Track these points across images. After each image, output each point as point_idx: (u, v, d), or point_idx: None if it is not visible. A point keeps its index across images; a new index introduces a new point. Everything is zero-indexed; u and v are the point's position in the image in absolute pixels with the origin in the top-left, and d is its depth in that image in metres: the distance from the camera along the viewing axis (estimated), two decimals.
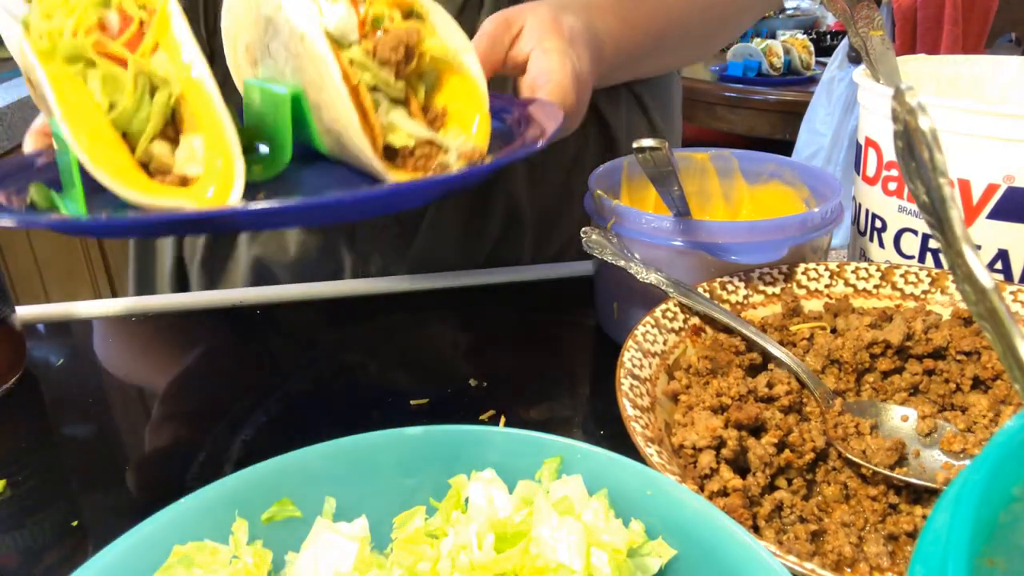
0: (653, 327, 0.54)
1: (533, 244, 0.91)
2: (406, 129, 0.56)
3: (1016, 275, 0.58)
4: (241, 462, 0.53)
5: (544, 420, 0.59)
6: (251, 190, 0.52)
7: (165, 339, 0.75)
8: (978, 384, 0.51)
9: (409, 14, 0.58)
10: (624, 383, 0.48)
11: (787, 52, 2.97)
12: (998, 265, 0.58)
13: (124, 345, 0.74)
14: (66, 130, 0.46)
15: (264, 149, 0.61)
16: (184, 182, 0.51)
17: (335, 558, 0.34)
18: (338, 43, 0.54)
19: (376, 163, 0.54)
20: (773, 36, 3.22)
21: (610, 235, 0.62)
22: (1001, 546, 0.21)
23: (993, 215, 0.57)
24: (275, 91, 0.58)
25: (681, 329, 0.56)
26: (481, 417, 0.58)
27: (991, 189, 0.56)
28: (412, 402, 0.60)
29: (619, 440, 0.44)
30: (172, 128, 0.52)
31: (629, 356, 0.51)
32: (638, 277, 0.58)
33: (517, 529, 0.34)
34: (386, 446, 0.39)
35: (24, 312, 0.76)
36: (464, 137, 0.57)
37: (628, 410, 0.45)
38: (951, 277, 0.48)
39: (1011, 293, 0.55)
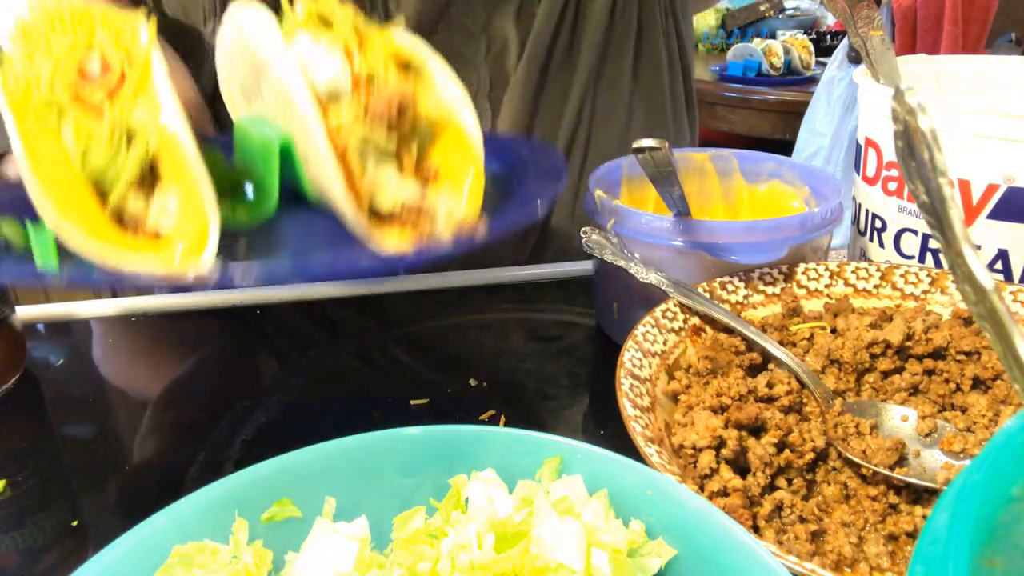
0: (653, 327, 0.54)
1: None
2: (394, 192, 0.54)
3: (1016, 275, 0.58)
4: (241, 462, 0.53)
5: (544, 420, 0.59)
6: (233, 236, 0.51)
7: (165, 339, 0.75)
8: (978, 384, 0.51)
9: (407, 66, 0.57)
10: (624, 383, 0.48)
11: (787, 52, 2.97)
12: (998, 265, 0.58)
13: (124, 345, 0.74)
14: (31, 181, 0.46)
15: (251, 190, 0.60)
16: (157, 235, 0.50)
17: (335, 558, 0.34)
18: (329, 98, 0.53)
19: (360, 225, 0.52)
20: (773, 36, 3.22)
21: (610, 235, 0.62)
22: (1001, 546, 0.21)
23: (993, 215, 0.57)
24: (264, 136, 0.57)
25: (681, 329, 0.56)
26: (481, 417, 0.58)
27: (991, 189, 0.56)
28: (412, 402, 0.60)
29: (619, 440, 0.44)
30: (149, 181, 0.51)
31: (629, 356, 0.51)
32: (638, 277, 0.58)
33: (517, 529, 0.34)
34: (386, 446, 0.39)
35: (24, 312, 0.76)
36: (454, 200, 0.55)
37: (628, 410, 0.45)
38: (951, 277, 0.48)
39: (1011, 293, 0.55)
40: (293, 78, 0.52)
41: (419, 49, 0.59)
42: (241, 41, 0.59)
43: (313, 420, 0.60)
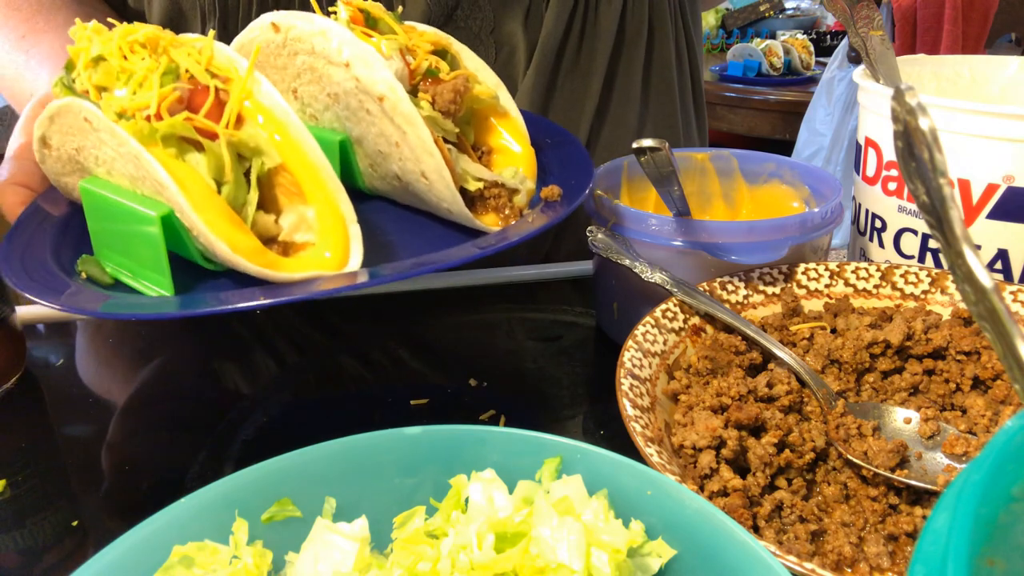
0: (653, 327, 0.54)
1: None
2: (474, 174, 0.59)
3: (1016, 275, 0.58)
4: (241, 462, 0.53)
5: (544, 420, 0.59)
6: None
7: (165, 339, 0.75)
8: (978, 384, 0.51)
9: (443, 54, 0.60)
10: (624, 383, 0.48)
11: (787, 52, 2.97)
12: (998, 265, 0.58)
13: (125, 345, 0.74)
14: (197, 220, 0.47)
15: None
16: (286, 249, 0.53)
17: (335, 558, 0.34)
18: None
19: (464, 212, 0.57)
20: (773, 36, 3.22)
21: (615, 235, 0.62)
22: (1001, 546, 0.21)
23: (993, 215, 0.57)
24: (324, 136, 0.60)
25: (681, 329, 0.56)
26: (481, 417, 0.58)
27: (991, 189, 0.56)
28: (412, 402, 0.60)
29: (619, 440, 0.44)
30: (262, 193, 0.53)
31: (629, 356, 0.51)
32: (643, 276, 0.58)
33: (517, 529, 0.34)
34: (386, 446, 0.39)
35: (24, 312, 0.76)
36: (521, 175, 0.60)
37: (628, 410, 0.45)
38: (951, 277, 0.48)
39: (1011, 293, 0.55)
40: (382, 81, 0.54)
41: (443, 35, 0.62)
42: (298, 47, 0.59)
43: (313, 420, 0.60)
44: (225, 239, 0.48)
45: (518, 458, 0.38)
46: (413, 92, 0.58)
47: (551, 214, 0.57)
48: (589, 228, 0.63)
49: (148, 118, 0.49)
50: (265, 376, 0.68)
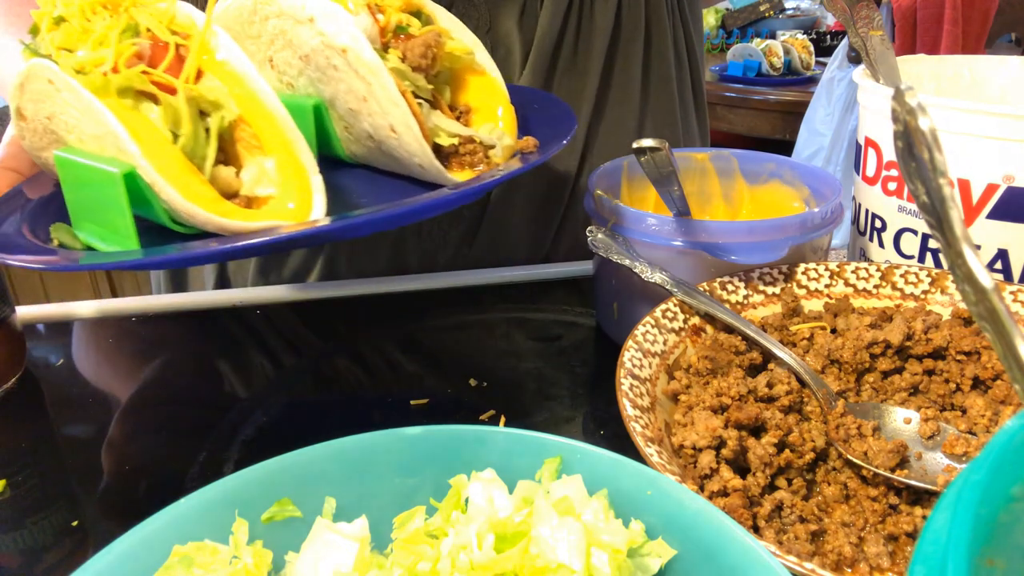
0: (653, 327, 0.54)
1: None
2: (448, 129, 0.58)
3: (1016, 275, 0.58)
4: (241, 462, 0.53)
5: (544, 420, 0.59)
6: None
7: (165, 339, 0.75)
8: (978, 384, 0.51)
9: (417, 15, 0.60)
10: (624, 383, 0.48)
11: (787, 52, 2.97)
12: (998, 265, 0.58)
13: (124, 345, 0.74)
14: (149, 167, 0.47)
15: None
16: (249, 203, 0.52)
17: (335, 558, 0.34)
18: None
19: (435, 165, 0.56)
20: (773, 36, 3.22)
21: (615, 235, 0.62)
22: (1001, 546, 0.21)
23: (993, 215, 0.57)
24: (298, 102, 0.60)
25: (681, 329, 0.56)
26: (481, 417, 0.58)
27: (991, 189, 0.56)
28: (412, 402, 0.60)
29: (619, 440, 0.44)
30: (225, 150, 0.53)
31: (629, 356, 0.51)
32: (643, 276, 0.58)
33: (517, 529, 0.34)
34: (386, 446, 0.39)
35: (24, 312, 0.76)
36: (499, 131, 0.59)
37: (628, 410, 0.45)
38: (951, 277, 0.48)
39: (1011, 293, 0.55)
40: (345, 33, 0.54)
41: None
42: (268, 11, 0.59)
43: (313, 420, 0.60)
44: (177, 186, 0.47)
45: (518, 458, 0.38)
46: (384, 50, 0.58)
47: (526, 162, 0.57)
48: (589, 228, 0.63)
49: (105, 73, 0.49)
50: (265, 377, 0.68)
